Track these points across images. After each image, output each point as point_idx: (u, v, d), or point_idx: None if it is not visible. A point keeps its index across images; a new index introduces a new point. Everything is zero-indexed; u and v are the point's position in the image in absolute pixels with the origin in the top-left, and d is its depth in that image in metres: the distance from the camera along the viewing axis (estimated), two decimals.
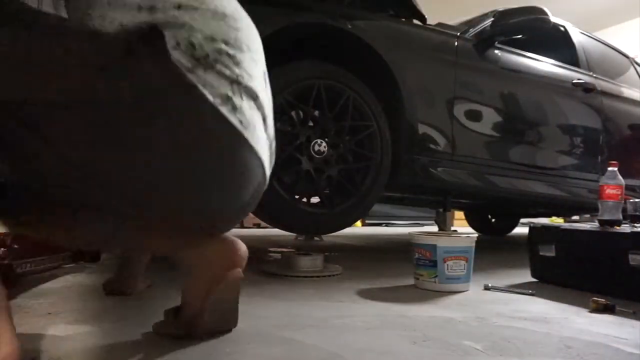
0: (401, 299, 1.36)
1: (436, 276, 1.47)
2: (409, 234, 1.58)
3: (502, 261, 2.34)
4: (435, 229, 3.51)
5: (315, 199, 1.89)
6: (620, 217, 1.64)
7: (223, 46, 0.78)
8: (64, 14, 0.64)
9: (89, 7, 0.66)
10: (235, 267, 0.93)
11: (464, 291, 1.49)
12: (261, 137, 0.86)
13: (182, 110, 0.74)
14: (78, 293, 1.37)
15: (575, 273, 1.59)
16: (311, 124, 1.81)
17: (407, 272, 1.67)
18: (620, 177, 1.65)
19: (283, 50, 1.90)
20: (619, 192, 1.64)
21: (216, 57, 0.76)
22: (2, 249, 1.48)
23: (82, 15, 0.66)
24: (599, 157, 2.85)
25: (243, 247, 0.97)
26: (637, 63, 3.68)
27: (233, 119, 0.77)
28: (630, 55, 3.74)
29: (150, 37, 0.69)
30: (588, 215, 4.60)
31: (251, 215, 3.01)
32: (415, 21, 2.35)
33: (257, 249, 2.71)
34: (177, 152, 0.75)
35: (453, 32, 2.37)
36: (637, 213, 1.62)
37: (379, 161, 1.91)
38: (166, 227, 0.85)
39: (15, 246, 1.53)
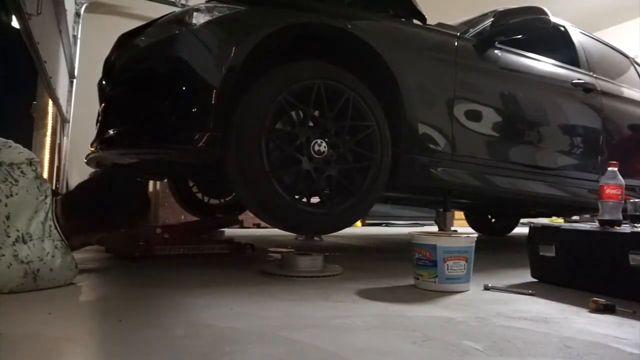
0: (401, 299, 1.36)
1: (436, 276, 1.47)
2: (409, 234, 1.58)
3: (502, 261, 2.34)
4: (435, 229, 3.51)
5: (315, 199, 1.89)
6: (620, 217, 1.64)
7: None
8: None
9: None
10: None
11: (464, 291, 1.49)
12: None
13: None
14: (78, 293, 1.37)
15: (575, 273, 1.59)
16: (311, 124, 1.81)
17: (407, 272, 1.67)
18: (620, 177, 1.65)
19: (283, 50, 1.90)
20: (619, 192, 1.64)
21: None
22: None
23: None
24: (599, 157, 2.85)
25: None
26: (637, 63, 3.68)
27: None
28: (630, 55, 3.74)
29: None
30: (588, 215, 4.60)
31: (251, 215, 3.02)
32: (415, 21, 2.35)
33: (257, 249, 2.70)
34: None
35: (453, 32, 2.37)
36: (637, 213, 1.62)
37: (379, 161, 1.90)
38: None
39: (165, 235, 2.24)
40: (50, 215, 1.35)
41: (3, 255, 1.24)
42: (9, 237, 1.26)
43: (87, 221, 1.46)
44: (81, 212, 1.44)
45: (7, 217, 1.27)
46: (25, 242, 1.27)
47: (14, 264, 1.24)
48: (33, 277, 1.28)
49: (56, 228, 1.36)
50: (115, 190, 1.53)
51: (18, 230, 1.28)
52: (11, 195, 1.28)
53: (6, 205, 1.27)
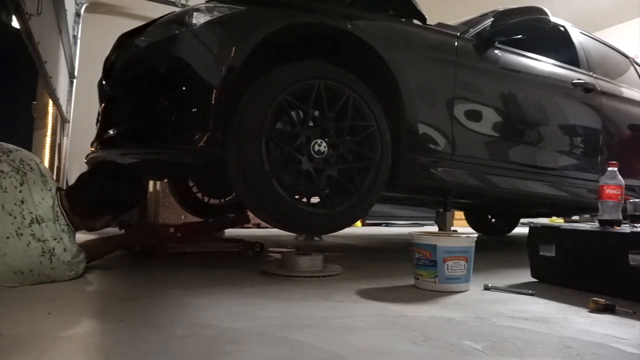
0: (401, 299, 1.36)
1: (436, 276, 1.47)
2: (409, 234, 1.58)
3: (502, 261, 2.34)
4: (435, 229, 3.51)
5: (315, 199, 1.89)
6: (620, 217, 1.64)
7: None
8: None
9: None
10: None
11: (464, 291, 1.49)
12: None
13: None
14: (78, 293, 1.37)
15: (575, 273, 1.59)
16: (311, 124, 1.81)
17: (407, 272, 1.67)
18: (620, 177, 1.65)
19: (283, 50, 1.90)
20: (619, 192, 1.64)
21: None
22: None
23: None
24: (599, 157, 2.85)
25: None
26: (637, 63, 3.68)
27: None
28: (630, 55, 3.74)
29: None
30: (588, 215, 4.60)
31: (251, 215, 3.02)
32: (415, 21, 2.35)
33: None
34: None
35: (453, 32, 2.37)
36: (637, 213, 1.62)
37: (379, 161, 1.90)
38: None
39: (178, 234, 2.35)
40: (56, 202, 1.52)
41: (22, 234, 1.40)
42: (25, 219, 1.42)
43: (90, 208, 1.64)
44: (84, 201, 1.61)
45: (22, 202, 1.44)
46: (39, 224, 1.44)
47: (32, 242, 1.41)
48: (50, 257, 1.42)
49: (62, 215, 1.51)
50: (112, 179, 1.71)
51: (31, 213, 1.44)
52: (23, 183, 1.47)
53: (20, 192, 1.45)
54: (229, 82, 1.67)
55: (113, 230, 2.27)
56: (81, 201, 1.60)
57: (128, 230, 2.24)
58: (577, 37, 3.11)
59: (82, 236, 1.96)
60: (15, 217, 1.40)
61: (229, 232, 3.43)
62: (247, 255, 2.39)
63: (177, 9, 2.12)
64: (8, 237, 1.37)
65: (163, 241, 2.29)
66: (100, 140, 1.96)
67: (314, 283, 1.60)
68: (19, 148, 1.60)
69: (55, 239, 1.45)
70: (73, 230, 1.56)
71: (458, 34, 2.37)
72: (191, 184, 3.09)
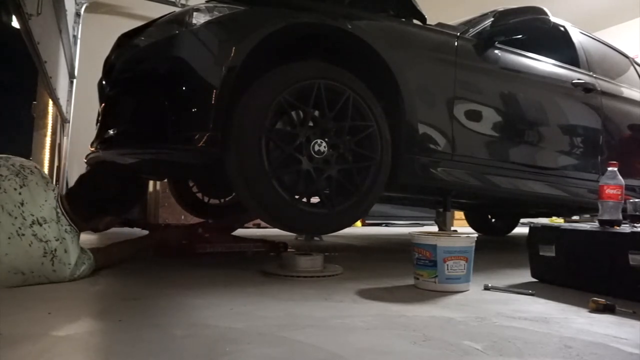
0: (401, 299, 1.36)
1: (436, 276, 1.47)
2: (409, 234, 1.58)
3: (502, 261, 2.34)
4: (435, 229, 3.51)
5: (315, 199, 1.89)
6: (620, 217, 1.64)
7: None
8: None
9: None
10: None
11: (464, 291, 1.49)
12: None
13: None
14: (78, 293, 1.37)
15: (575, 273, 1.59)
16: (311, 124, 1.81)
17: (407, 272, 1.67)
18: (620, 177, 1.65)
19: (283, 50, 1.90)
20: (619, 192, 1.64)
21: None
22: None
23: None
24: (599, 157, 2.85)
25: None
26: (637, 63, 3.68)
27: None
28: (630, 55, 3.73)
29: None
30: (588, 215, 4.60)
31: None
32: (415, 21, 2.35)
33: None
34: None
35: (453, 32, 2.37)
36: (637, 213, 1.62)
37: (379, 161, 1.90)
38: None
39: (206, 235, 2.37)
40: (58, 203, 1.52)
41: (23, 234, 1.40)
42: (26, 220, 1.43)
43: (90, 209, 1.63)
44: (83, 202, 1.61)
45: (22, 203, 1.44)
46: (41, 225, 1.44)
47: (34, 242, 1.41)
48: (51, 258, 1.42)
49: (63, 215, 1.51)
50: (111, 179, 1.70)
51: (33, 215, 1.44)
52: (24, 185, 1.48)
53: (20, 194, 1.45)
54: (229, 82, 1.67)
55: (126, 233, 2.26)
56: (81, 202, 1.60)
57: (154, 232, 2.19)
58: (577, 37, 3.11)
59: (86, 236, 1.97)
60: (15, 218, 1.40)
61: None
62: (269, 255, 2.36)
63: (177, 9, 2.12)
64: (9, 237, 1.38)
65: (192, 242, 2.26)
66: (100, 140, 1.96)
67: (314, 283, 1.60)
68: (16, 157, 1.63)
69: (57, 239, 1.45)
70: (77, 232, 1.56)
71: (458, 34, 2.37)
72: (191, 184, 3.09)
